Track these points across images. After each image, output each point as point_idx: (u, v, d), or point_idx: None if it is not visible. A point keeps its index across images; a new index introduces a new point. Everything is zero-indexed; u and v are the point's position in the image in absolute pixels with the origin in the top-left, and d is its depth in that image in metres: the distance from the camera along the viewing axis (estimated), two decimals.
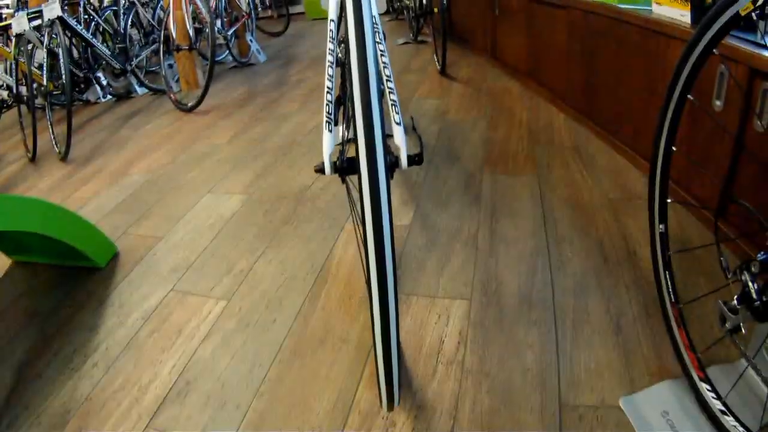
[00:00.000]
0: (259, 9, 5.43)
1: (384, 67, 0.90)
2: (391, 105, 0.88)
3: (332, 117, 0.90)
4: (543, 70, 2.66)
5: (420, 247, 1.52)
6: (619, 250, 1.46)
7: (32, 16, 2.99)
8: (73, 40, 3.54)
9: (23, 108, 3.26)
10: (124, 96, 3.83)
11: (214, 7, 3.94)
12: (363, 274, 1.37)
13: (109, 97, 3.82)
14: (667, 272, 1.13)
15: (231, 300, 1.42)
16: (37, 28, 3.02)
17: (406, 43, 4.20)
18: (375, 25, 0.88)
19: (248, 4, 4.32)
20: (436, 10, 3.18)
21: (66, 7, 3.37)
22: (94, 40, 3.43)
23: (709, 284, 1.26)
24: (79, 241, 1.60)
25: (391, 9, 5.72)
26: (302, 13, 6.38)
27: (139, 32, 4.05)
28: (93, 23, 3.65)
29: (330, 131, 0.88)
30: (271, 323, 1.32)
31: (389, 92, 0.90)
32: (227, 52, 4.23)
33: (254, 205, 1.88)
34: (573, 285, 1.34)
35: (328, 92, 0.90)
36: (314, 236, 1.63)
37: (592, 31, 2.12)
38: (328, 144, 0.88)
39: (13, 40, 3.04)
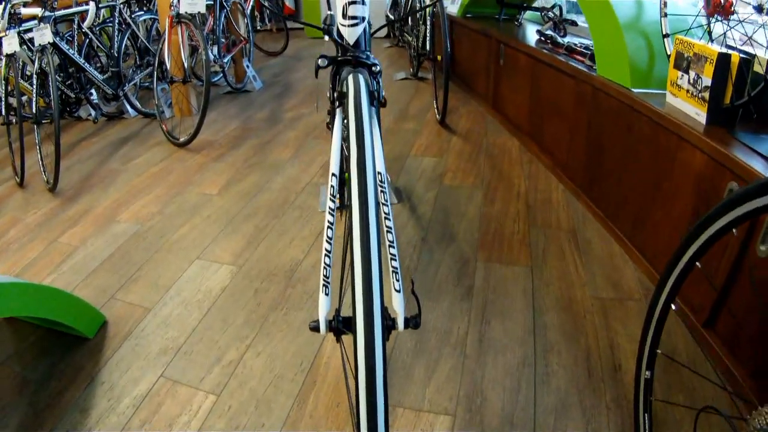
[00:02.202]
0: (258, 25, 5.50)
1: (387, 232, 0.93)
2: (392, 272, 0.91)
3: (329, 281, 0.96)
4: (545, 134, 2.75)
5: (409, 351, 1.62)
6: (605, 362, 1.56)
7: (24, 31, 3.06)
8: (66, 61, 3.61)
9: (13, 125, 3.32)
10: (116, 116, 3.91)
11: (210, 27, 4.01)
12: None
13: (100, 116, 3.89)
14: (646, 415, 1.23)
15: (220, 396, 1.50)
16: (29, 47, 3.09)
17: (405, 78, 4.29)
18: (381, 184, 0.92)
19: (246, 27, 4.40)
20: (439, 57, 3.27)
21: (59, 24, 3.45)
22: (86, 65, 3.50)
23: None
24: (66, 316, 1.67)
25: (392, 35, 5.81)
26: (302, 28, 6.47)
27: (133, 51, 4.13)
28: (87, 40, 3.72)
29: (327, 294, 0.95)
30: (260, 427, 1.40)
31: (391, 258, 0.92)
32: (222, 75, 4.31)
33: (243, 281, 1.96)
34: (555, 403, 1.43)
35: (326, 255, 0.93)
36: (304, 328, 1.72)
37: (601, 108, 2.19)
38: (324, 307, 0.94)
39: (3, 59, 3.10)
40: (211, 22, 4.09)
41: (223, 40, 4.19)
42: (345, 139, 1.03)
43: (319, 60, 1.19)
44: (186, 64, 3.38)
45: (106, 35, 3.97)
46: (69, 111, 3.85)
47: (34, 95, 2.89)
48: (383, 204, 0.92)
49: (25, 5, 3.15)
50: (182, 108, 3.71)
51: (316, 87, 4.02)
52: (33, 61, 3.01)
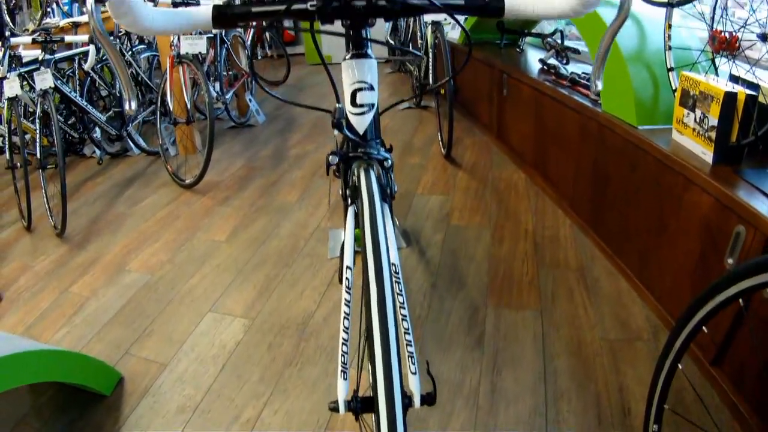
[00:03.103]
0: (258, 53, 5.63)
1: (402, 320, 0.96)
2: (408, 357, 0.95)
3: (347, 367, 1.01)
4: (551, 166, 2.83)
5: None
6: (615, 407, 1.63)
7: (26, 72, 3.17)
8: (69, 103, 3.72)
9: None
10: (120, 154, 4.02)
11: (211, 59, 4.12)
12: None
13: (104, 155, 4.00)
14: None
15: None
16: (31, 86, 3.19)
17: (409, 108, 4.39)
18: (395, 275, 0.97)
19: (248, 58, 4.52)
20: (443, 91, 3.36)
21: (59, 64, 3.57)
22: (89, 107, 3.61)
23: None
24: (83, 378, 1.75)
25: (393, 61, 5.91)
26: (302, 54, 6.59)
27: (136, 87, 4.24)
28: (88, 78, 3.84)
29: (345, 379, 1.00)
30: None
31: (407, 344, 0.96)
32: (224, 110, 4.42)
33: (257, 335, 2.05)
34: None
35: (343, 344, 0.98)
36: (319, 383, 1.80)
37: (606, 144, 2.25)
38: (342, 390, 1.00)
39: (5, 102, 3.20)
40: (212, 55, 4.20)
41: (224, 73, 4.31)
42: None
43: (330, 157, 1.21)
44: (189, 105, 3.48)
45: (108, 69, 4.09)
46: (74, 151, 3.96)
47: (38, 136, 2.99)
48: (398, 294, 0.97)
49: (24, 47, 3.25)
50: (187, 146, 3.81)
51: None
52: (35, 103, 3.11)
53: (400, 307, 0.97)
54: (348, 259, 1.04)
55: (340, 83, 1.17)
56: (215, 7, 0.96)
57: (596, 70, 1.00)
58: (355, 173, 1.14)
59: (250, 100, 4.47)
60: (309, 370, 1.86)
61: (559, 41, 3.11)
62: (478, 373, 1.79)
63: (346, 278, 1.01)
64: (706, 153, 1.73)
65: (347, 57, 1.13)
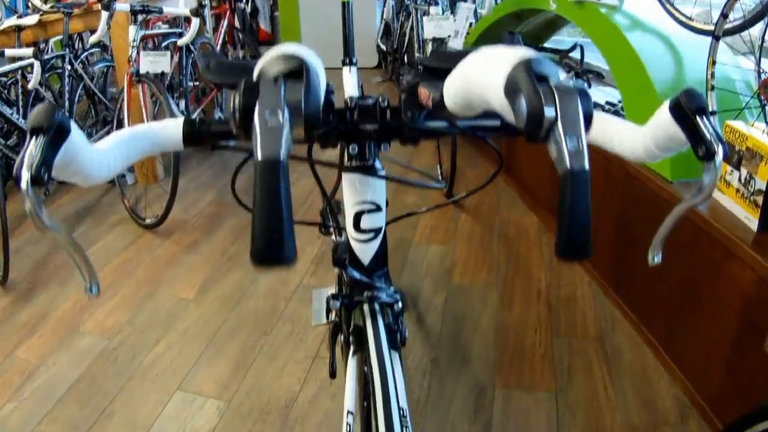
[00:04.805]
0: (229, 56, 5.67)
1: None
2: None
3: None
4: None
5: None
6: None
7: None
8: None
9: None
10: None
11: (176, 67, 4.13)
12: None
13: (52, 182, 4.02)
14: None
15: None
16: None
17: None
18: (403, 418, 1.00)
19: None
20: None
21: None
22: None
23: None
24: None
25: (383, 65, 5.94)
26: None
27: (87, 102, 4.27)
28: (33, 93, 3.86)
29: None
30: None
31: None
32: None
33: (234, 419, 2.08)
34: None
35: None
36: None
37: (634, 195, 2.28)
38: None
39: None
40: (176, 63, 4.22)
41: (190, 86, 4.33)
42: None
43: (330, 301, 1.19)
44: None
45: (57, 76, 4.08)
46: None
47: None
48: None
49: None
50: (147, 174, 3.85)
51: None
52: None
53: None
54: (349, 404, 1.07)
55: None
56: (186, 124, 0.88)
57: (657, 243, 0.97)
58: (360, 320, 1.14)
59: (220, 118, 4.50)
60: None
61: (579, 59, 3.13)
62: None
63: (347, 424, 1.05)
64: (750, 219, 1.74)
65: (348, 162, 1.06)
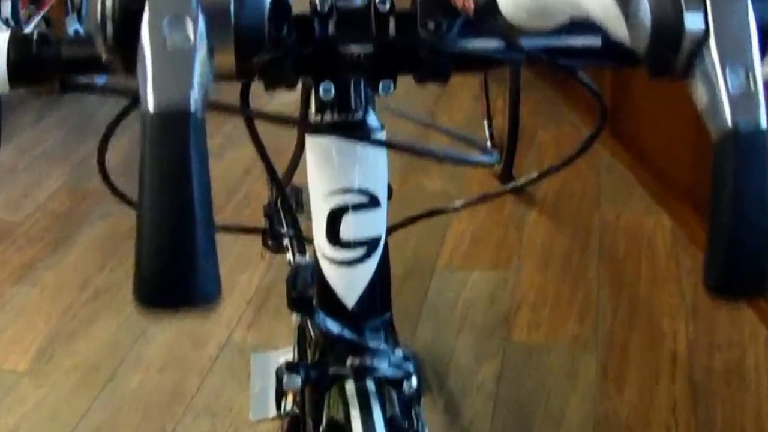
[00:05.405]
0: None
1: None
2: None
3: None
4: None
5: None
6: None
7: None
8: None
9: None
10: None
11: None
12: None
13: None
14: None
15: None
16: None
17: None
18: None
19: None
20: None
21: None
22: None
23: None
24: None
25: None
26: None
27: None
28: None
29: None
30: None
31: None
32: None
33: None
34: None
35: None
36: None
37: None
38: None
39: None
40: None
41: None
42: None
43: (286, 377, 0.79)
44: None
45: None
46: None
47: None
48: None
49: None
50: None
51: None
52: None
53: None
54: None
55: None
56: (14, 43, 0.56)
57: None
58: (339, 412, 0.80)
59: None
60: None
61: None
62: None
63: None
64: None
65: (318, 119, 0.68)
